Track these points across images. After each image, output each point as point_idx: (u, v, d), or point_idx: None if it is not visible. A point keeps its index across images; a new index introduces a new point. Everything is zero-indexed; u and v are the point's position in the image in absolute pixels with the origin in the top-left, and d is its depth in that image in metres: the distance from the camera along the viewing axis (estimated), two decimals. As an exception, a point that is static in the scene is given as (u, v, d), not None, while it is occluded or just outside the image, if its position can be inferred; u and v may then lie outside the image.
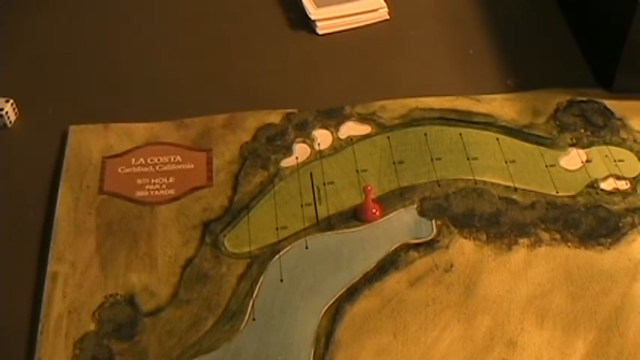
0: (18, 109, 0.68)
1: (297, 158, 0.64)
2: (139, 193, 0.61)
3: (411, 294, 0.54)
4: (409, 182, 0.62)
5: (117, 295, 0.55)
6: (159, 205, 0.61)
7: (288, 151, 0.65)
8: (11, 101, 0.68)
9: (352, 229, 0.59)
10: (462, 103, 0.69)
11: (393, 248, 0.57)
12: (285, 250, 0.57)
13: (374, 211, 0.59)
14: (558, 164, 0.64)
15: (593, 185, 0.62)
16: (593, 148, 0.65)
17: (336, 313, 0.53)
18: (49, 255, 0.57)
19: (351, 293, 0.54)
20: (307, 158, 0.64)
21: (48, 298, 0.54)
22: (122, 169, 0.63)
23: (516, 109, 0.68)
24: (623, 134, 0.66)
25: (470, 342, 0.52)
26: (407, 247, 0.57)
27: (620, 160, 0.64)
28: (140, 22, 0.80)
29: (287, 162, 0.64)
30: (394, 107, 0.68)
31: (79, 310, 0.54)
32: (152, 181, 0.62)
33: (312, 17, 0.78)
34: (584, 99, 0.69)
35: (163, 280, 0.56)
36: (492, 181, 0.62)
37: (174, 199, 0.61)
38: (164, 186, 0.62)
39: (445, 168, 0.63)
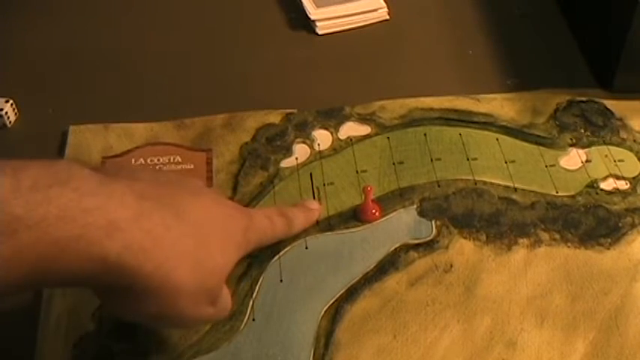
0: (18, 109, 0.68)
1: (296, 159, 0.64)
2: (139, 194, 0.61)
3: (410, 294, 0.54)
4: (409, 182, 0.62)
5: (117, 295, 0.55)
6: (159, 206, 0.60)
7: (287, 151, 0.64)
8: (11, 101, 0.67)
9: (352, 230, 0.59)
10: (462, 103, 0.69)
11: (393, 248, 0.57)
12: (285, 250, 0.57)
13: (374, 211, 0.59)
14: (558, 164, 0.64)
15: (593, 185, 0.62)
16: (593, 148, 0.65)
17: (335, 313, 0.53)
18: (49, 255, 0.57)
19: (351, 293, 0.54)
20: (307, 159, 0.64)
21: (48, 298, 0.54)
22: (122, 170, 0.63)
23: (516, 109, 0.68)
24: (623, 134, 0.66)
25: (470, 342, 0.52)
26: (407, 248, 0.57)
27: (619, 160, 0.64)
28: (140, 22, 0.80)
29: (287, 162, 0.64)
30: (394, 107, 0.68)
31: (79, 310, 0.53)
32: (152, 181, 0.62)
33: (312, 17, 0.78)
34: (584, 99, 0.69)
35: (163, 281, 0.55)
36: (492, 181, 0.62)
37: (174, 199, 0.61)
38: (164, 186, 0.62)
39: (445, 168, 0.63)
